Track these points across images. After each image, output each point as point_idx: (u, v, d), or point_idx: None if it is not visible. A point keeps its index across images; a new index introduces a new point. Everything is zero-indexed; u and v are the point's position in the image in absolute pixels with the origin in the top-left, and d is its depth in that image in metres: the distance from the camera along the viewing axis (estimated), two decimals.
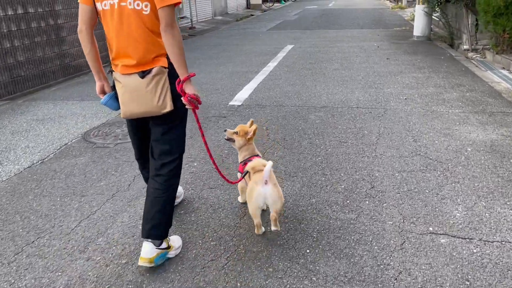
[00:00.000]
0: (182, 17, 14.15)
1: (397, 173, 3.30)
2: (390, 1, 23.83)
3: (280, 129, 4.39)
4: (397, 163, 3.48)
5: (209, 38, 12.27)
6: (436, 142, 3.88)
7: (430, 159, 3.53)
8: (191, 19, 14.71)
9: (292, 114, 4.88)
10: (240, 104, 5.37)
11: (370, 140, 4.00)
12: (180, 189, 2.95)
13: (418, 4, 9.89)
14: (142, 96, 2.11)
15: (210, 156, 2.46)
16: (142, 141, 2.48)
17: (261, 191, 2.33)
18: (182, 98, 2.12)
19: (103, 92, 2.31)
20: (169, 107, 2.14)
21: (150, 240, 2.27)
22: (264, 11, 22.12)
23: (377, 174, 3.30)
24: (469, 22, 8.26)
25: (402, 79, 6.31)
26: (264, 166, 2.32)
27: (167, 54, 2.11)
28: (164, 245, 2.32)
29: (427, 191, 3.01)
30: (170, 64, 2.13)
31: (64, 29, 7.51)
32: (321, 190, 3.08)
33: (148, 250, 2.26)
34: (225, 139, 2.75)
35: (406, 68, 7.01)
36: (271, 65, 7.72)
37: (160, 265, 2.34)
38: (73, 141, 4.35)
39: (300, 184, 3.20)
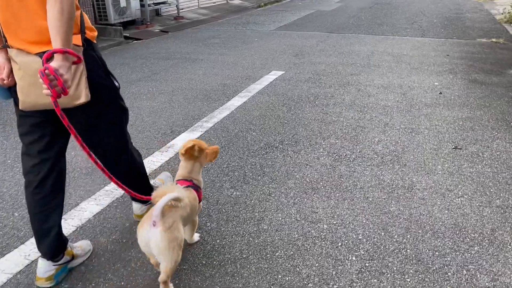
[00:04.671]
0: (160, 3, 9.93)
1: None
2: None
3: None
4: None
5: (177, 39, 8.02)
6: None
7: None
8: (177, 6, 10.47)
9: None
10: None
11: None
12: (85, 244, 2.13)
13: None
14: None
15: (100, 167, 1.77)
16: (45, 145, 1.81)
17: (144, 234, 1.66)
18: (39, 70, 1.47)
19: None
20: (84, 97, 1.65)
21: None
22: None
23: None
24: None
25: None
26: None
27: (81, 29, 1.66)
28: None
29: None
30: (87, 41, 1.69)
31: None
32: None
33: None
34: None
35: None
36: (165, 155, 3.41)
37: None
38: None
39: None
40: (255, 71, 5.57)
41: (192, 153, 1.96)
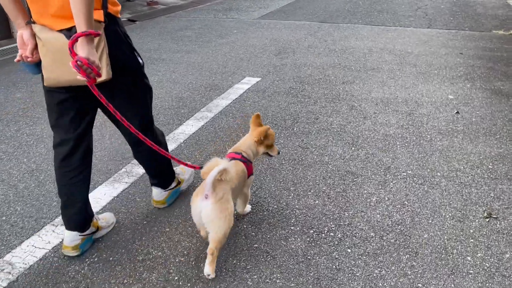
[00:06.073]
0: None
1: None
2: None
3: None
4: None
5: (144, 30, 6.88)
6: None
7: None
8: None
9: None
10: None
11: None
12: (109, 217, 2.16)
13: None
14: (69, 59, 1.49)
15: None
16: (72, 120, 1.80)
17: (197, 206, 1.76)
18: (70, 62, 1.46)
19: (24, 45, 1.64)
20: (105, 74, 1.60)
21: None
22: None
23: None
24: None
25: None
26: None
27: (103, 4, 1.59)
28: None
29: None
30: (109, 16, 1.63)
31: None
32: None
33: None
34: None
35: None
36: None
37: None
38: None
39: None
40: (224, 77, 4.48)
41: (261, 136, 2.06)
